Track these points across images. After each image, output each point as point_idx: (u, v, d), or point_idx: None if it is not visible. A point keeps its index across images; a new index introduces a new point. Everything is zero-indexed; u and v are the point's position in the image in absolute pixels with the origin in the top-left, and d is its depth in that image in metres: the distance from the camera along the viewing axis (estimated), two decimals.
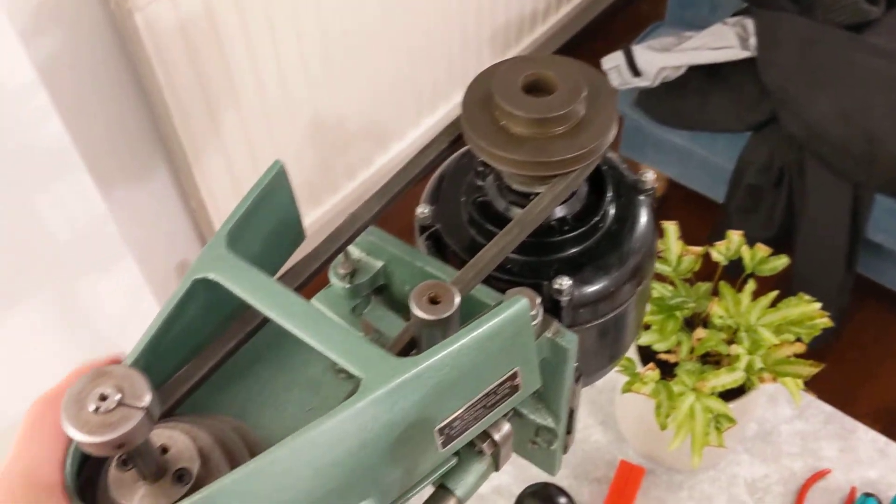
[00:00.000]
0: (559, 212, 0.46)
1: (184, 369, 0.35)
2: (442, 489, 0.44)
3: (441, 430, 0.33)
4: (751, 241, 0.78)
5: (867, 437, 0.89)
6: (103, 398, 0.26)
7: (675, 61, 1.29)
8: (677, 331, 0.76)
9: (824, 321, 0.75)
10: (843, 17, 1.19)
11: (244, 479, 0.29)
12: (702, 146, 1.42)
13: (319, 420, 0.30)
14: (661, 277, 0.78)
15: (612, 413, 0.92)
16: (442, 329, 0.35)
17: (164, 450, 0.30)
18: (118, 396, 0.26)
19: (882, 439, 0.88)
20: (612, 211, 0.47)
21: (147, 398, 0.26)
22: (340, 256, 0.45)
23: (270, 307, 0.34)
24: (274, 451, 0.29)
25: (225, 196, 1.26)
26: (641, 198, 0.49)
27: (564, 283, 0.43)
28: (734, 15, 1.40)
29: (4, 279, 0.86)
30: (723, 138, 1.37)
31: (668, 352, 0.78)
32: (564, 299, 0.44)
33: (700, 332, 0.75)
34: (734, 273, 0.79)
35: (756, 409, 0.88)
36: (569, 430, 0.47)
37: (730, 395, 0.76)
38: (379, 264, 0.45)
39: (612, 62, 1.32)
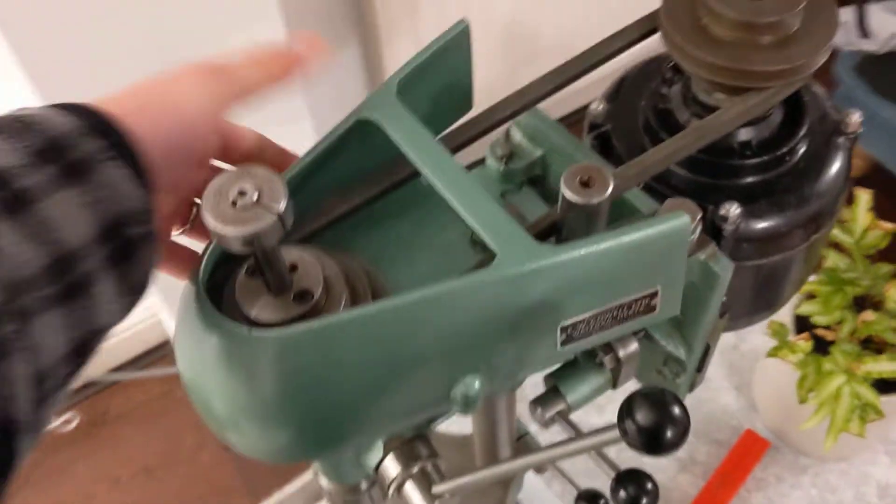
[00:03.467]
0: (745, 134, 0.42)
1: (327, 202, 0.35)
2: (554, 391, 0.43)
3: (564, 329, 0.32)
4: None
5: None
6: (242, 194, 0.26)
7: None
8: (843, 307, 0.70)
9: None
10: None
11: (362, 319, 0.29)
12: None
13: (450, 282, 0.29)
14: (839, 248, 0.71)
15: (751, 381, 0.87)
16: (587, 219, 0.32)
17: (293, 267, 0.31)
18: (256, 195, 0.26)
19: None
20: (803, 147, 0.43)
21: (283, 203, 0.26)
22: (501, 136, 0.44)
23: (424, 162, 0.33)
24: (398, 299, 0.29)
25: None
26: (840, 140, 0.44)
27: (733, 210, 0.39)
28: None
29: None
30: None
31: (826, 328, 0.72)
32: (729, 228, 0.40)
33: (868, 315, 0.69)
34: None
35: None
36: (699, 368, 0.45)
37: (883, 389, 0.70)
38: (539, 152, 0.43)
39: (840, 17, 1.20)
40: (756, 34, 0.37)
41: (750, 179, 0.42)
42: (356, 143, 0.35)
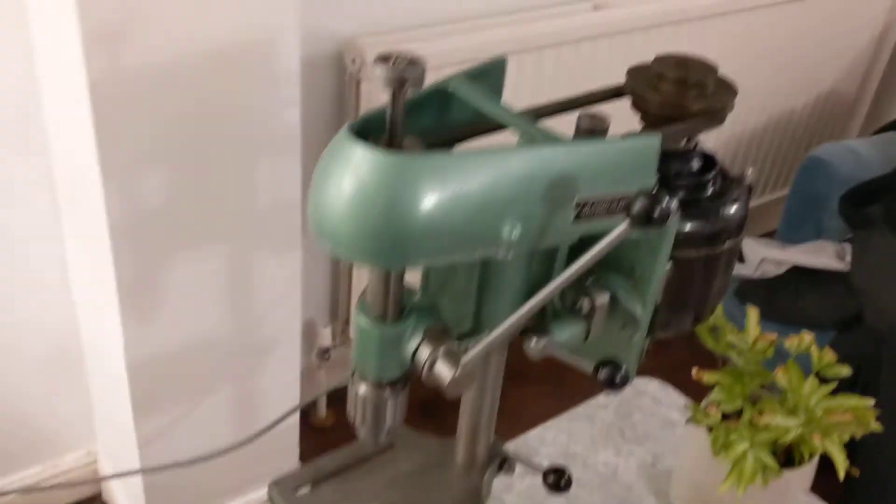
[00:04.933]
0: (676, 166, 0.59)
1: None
2: (543, 329, 0.55)
3: (577, 204, 0.46)
4: None
5: None
6: (398, 59, 0.41)
7: (777, 256, 1.42)
8: (742, 397, 0.84)
9: (877, 425, 0.81)
10: None
11: (465, 157, 0.42)
12: None
13: (515, 147, 0.43)
14: (732, 349, 0.87)
15: (668, 489, 0.96)
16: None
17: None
18: (406, 61, 0.41)
19: None
20: (715, 185, 0.60)
21: (422, 67, 0.41)
22: None
23: (498, 112, 0.48)
24: (488, 151, 0.43)
25: None
26: (740, 188, 0.61)
27: (673, 202, 0.55)
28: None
29: (195, 222, 1.01)
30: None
31: (728, 418, 0.84)
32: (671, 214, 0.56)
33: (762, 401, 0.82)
34: None
35: (800, 494, 0.91)
36: (649, 332, 0.57)
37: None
38: None
39: None
40: (686, 89, 0.56)
41: (682, 196, 0.58)
42: (431, 105, 0.51)
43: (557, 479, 0.61)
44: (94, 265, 1.06)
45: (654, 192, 0.41)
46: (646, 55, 0.59)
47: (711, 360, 0.88)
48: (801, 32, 2.02)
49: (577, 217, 0.47)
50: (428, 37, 1.34)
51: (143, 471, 1.10)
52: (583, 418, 1.07)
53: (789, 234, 1.63)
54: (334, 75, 1.26)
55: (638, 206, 0.41)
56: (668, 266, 0.55)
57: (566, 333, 0.57)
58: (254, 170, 1.00)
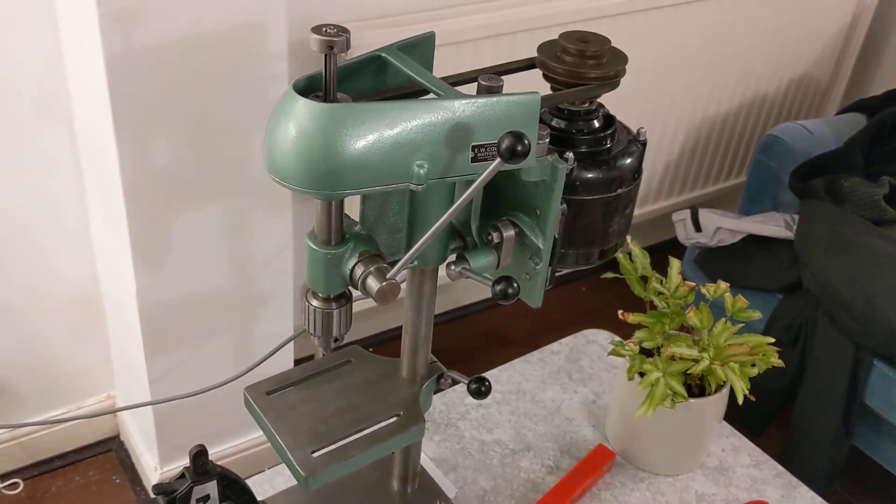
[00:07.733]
0: (581, 125, 0.68)
1: None
2: (462, 257, 0.66)
3: (473, 148, 0.56)
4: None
5: (808, 495, 0.99)
6: (331, 30, 0.51)
7: (730, 226, 1.51)
8: (662, 334, 0.93)
9: (777, 360, 0.91)
10: (865, 212, 1.39)
11: (382, 106, 0.52)
12: None
13: (423, 100, 0.53)
14: (660, 296, 0.96)
15: (604, 423, 1.07)
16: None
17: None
18: (336, 30, 0.51)
19: (820, 500, 0.98)
20: (613, 142, 0.69)
21: (347, 36, 0.51)
22: None
23: (420, 77, 0.58)
24: (401, 101, 0.53)
25: None
26: (637, 145, 0.71)
27: (571, 155, 0.65)
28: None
29: (197, 184, 1.11)
30: (758, 297, 1.54)
31: (650, 354, 0.94)
32: (568, 166, 0.66)
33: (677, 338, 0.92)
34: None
35: (713, 423, 1.01)
36: (550, 262, 0.67)
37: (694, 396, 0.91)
38: None
39: (680, 216, 1.55)
40: (585, 59, 0.65)
41: (584, 149, 0.68)
42: (367, 72, 0.61)
43: (479, 386, 0.71)
44: (110, 221, 1.17)
45: (517, 133, 0.51)
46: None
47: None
48: (774, 19, 2.09)
49: (474, 158, 0.57)
50: (410, 22, 1.44)
51: (153, 403, 1.22)
52: (536, 362, 1.17)
53: (749, 207, 1.72)
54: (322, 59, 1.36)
55: (505, 143, 0.51)
56: (562, 206, 0.65)
57: (481, 261, 0.67)
58: (246, 138, 1.10)
